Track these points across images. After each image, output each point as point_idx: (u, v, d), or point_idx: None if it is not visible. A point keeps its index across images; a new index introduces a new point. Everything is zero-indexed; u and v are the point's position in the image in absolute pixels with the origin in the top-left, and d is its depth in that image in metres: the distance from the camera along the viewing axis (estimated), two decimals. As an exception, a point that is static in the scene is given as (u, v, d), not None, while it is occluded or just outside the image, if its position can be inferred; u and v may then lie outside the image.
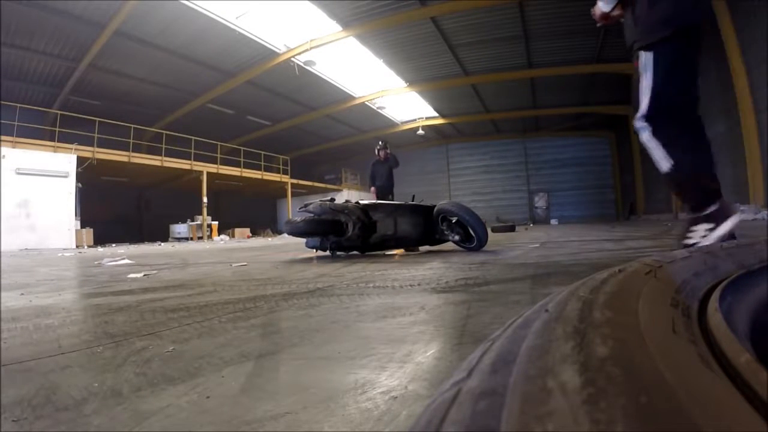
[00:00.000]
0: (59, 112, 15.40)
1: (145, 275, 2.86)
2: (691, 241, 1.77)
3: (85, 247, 12.92)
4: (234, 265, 3.54)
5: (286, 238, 13.29)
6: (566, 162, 25.20)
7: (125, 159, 16.16)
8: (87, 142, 15.11)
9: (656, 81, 1.86)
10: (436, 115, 21.83)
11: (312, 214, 4.30)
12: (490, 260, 2.93)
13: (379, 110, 20.58)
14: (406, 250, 4.27)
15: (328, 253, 4.10)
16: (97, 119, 15.62)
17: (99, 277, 3.02)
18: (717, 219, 1.77)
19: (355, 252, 4.03)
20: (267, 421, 0.59)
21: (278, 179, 22.66)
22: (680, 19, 1.80)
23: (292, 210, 21.65)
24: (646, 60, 1.87)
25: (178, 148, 18.17)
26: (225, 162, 20.31)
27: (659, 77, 1.85)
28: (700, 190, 1.83)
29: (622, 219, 21.21)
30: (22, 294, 2.12)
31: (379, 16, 12.69)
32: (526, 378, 0.21)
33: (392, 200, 6.16)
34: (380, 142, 7.20)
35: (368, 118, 21.49)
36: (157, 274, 2.96)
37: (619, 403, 0.18)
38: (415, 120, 22.24)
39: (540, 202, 26.05)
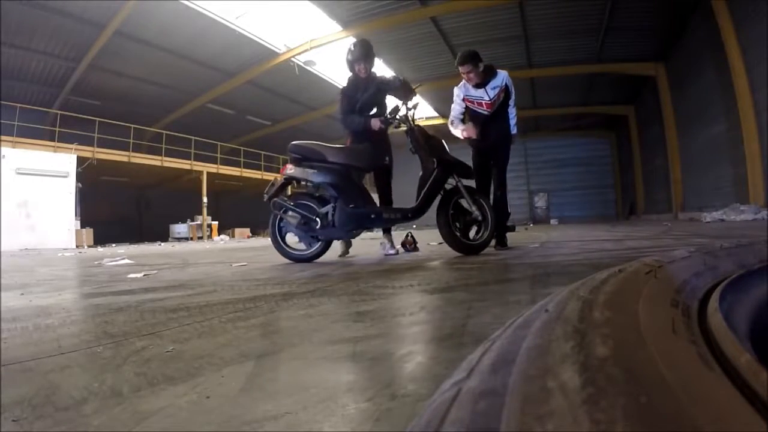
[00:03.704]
0: (59, 112, 15.42)
1: (145, 275, 2.86)
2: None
3: (85, 247, 12.92)
4: (234, 265, 3.54)
5: (286, 238, 13.26)
6: (566, 162, 25.20)
7: (125, 159, 16.18)
8: (87, 142, 15.13)
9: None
10: (437, 115, 21.84)
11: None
12: (491, 260, 2.93)
13: (379, 110, 20.61)
14: (406, 250, 4.25)
15: (317, 249, 3.53)
16: (97, 119, 15.65)
17: (99, 277, 3.02)
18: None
19: (352, 255, 3.99)
20: (267, 421, 0.59)
21: (272, 178, 22.67)
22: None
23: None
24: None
25: (178, 148, 18.19)
26: (225, 162, 20.33)
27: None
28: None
29: (622, 219, 21.21)
30: (22, 294, 2.12)
31: (379, 16, 12.70)
32: (526, 378, 0.21)
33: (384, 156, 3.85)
34: (352, 46, 3.87)
35: (368, 118, 21.52)
36: (157, 274, 2.96)
37: (619, 403, 0.18)
38: (415, 120, 22.23)
39: (540, 202, 26.06)
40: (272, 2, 12.09)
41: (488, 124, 3.91)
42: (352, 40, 14.04)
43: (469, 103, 3.93)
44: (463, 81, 3.91)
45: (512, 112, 4.05)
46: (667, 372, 0.21)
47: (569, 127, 23.86)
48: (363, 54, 3.82)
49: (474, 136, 3.80)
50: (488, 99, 3.82)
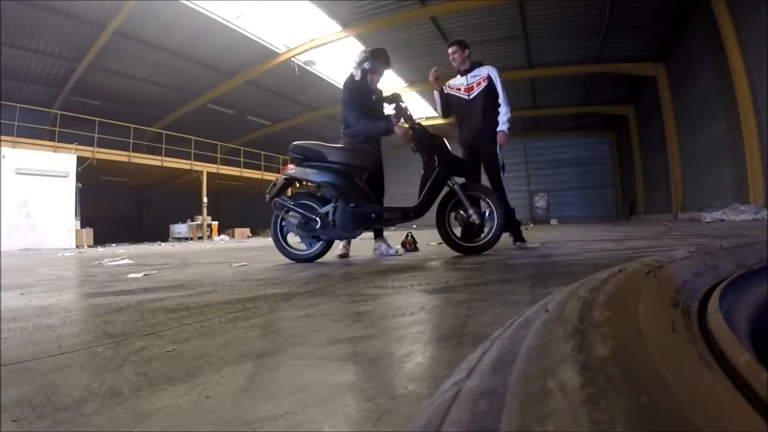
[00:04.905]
0: (59, 112, 15.43)
1: (145, 275, 2.86)
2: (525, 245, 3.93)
3: (85, 247, 12.92)
4: (234, 265, 3.54)
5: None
6: (566, 162, 25.21)
7: (125, 159, 16.19)
8: (87, 142, 15.14)
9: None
10: (436, 115, 21.85)
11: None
12: (491, 260, 2.93)
13: (378, 110, 20.64)
14: (406, 250, 4.26)
15: (318, 249, 3.54)
16: (97, 119, 15.65)
17: (99, 277, 3.02)
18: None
19: (352, 255, 3.99)
20: (267, 421, 0.59)
21: (274, 179, 22.67)
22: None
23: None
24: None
25: (178, 148, 18.19)
26: (225, 162, 20.34)
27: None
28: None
29: (622, 219, 21.21)
30: (22, 294, 2.12)
31: (379, 16, 12.70)
32: (526, 378, 0.21)
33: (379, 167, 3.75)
34: (370, 53, 3.78)
35: (368, 118, 21.53)
36: (157, 274, 2.96)
37: (619, 403, 0.18)
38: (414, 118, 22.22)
39: (540, 202, 26.06)
40: (272, 2, 12.09)
41: (468, 114, 4.01)
42: (352, 40, 14.02)
43: (450, 91, 4.12)
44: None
45: (503, 110, 3.95)
46: (667, 372, 0.21)
47: (569, 127, 23.86)
48: (385, 65, 3.86)
49: (436, 80, 4.01)
50: (465, 84, 4.02)
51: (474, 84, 3.99)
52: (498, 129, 3.92)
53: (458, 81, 4.09)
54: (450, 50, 4.10)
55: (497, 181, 3.94)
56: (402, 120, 3.74)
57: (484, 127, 3.94)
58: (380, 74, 3.87)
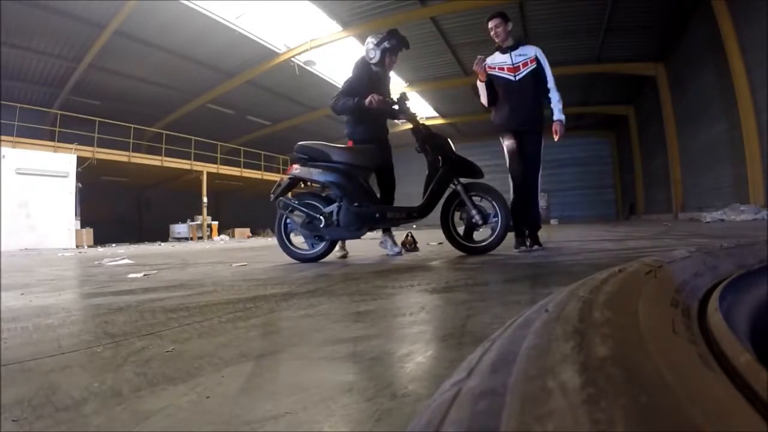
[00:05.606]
0: (59, 112, 15.43)
1: (145, 275, 2.86)
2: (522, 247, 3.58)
3: (85, 247, 12.92)
4: (234, 265, 3.54)
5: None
6: (566, 162, 25.17)
7: (125, 159, 16.19)
8: (87, 142, 15.14)
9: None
10: (436, 115, 21.83)
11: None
12: (490, 260, 2.93)
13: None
14: (406, 250, 4.26)
15: (321, 249, 3.55)
16: (97, 119, 15.65)
17: (99, 277, 3.02)
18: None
19: (352, 255, 4.00)
20: (267, 421, 0.59)
21: (278, 179, 22.67)
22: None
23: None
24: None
25: (178, 148, 18.19)
26: (225, 162, 20.34)
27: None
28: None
29: (622, 219, 21.21)
30: (22, 294, 2.12)
31: (379, 16, 12.69)
32: (526, 378, 0.21)
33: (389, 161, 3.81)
34: (387, 33, 3.77)
35: (368, 118, 21.52)
36: (157, 274, 2.96)
37: (619, 403, 0.18)
38: (418, 118, 22.20)
39: (540, 202, 26.02)
40: (272, 2, 12.09)
41: (514, 97, 3.56)
42: (352, 40, 14.00)
43: (492, 71, 3.64)
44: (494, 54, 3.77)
45: (555, 96, 3.55)
46: (667, 372, 0.21)
47: (569, 127, 23.55)
48: (401, 45, 3.77)
49: (483, 69, 3.55)
50: (510, 63, 3.58)
51: (520, 64, 3.56)
52: (555, 119, 3.55)
53: (500, 59, 3.63)
54: (492, 23, 3.62)
55: (537, 176, 3.69)
56: (406, 119, 3.73)
57: (535, 114, 3.57)
58: (397, 55, 3.86)
